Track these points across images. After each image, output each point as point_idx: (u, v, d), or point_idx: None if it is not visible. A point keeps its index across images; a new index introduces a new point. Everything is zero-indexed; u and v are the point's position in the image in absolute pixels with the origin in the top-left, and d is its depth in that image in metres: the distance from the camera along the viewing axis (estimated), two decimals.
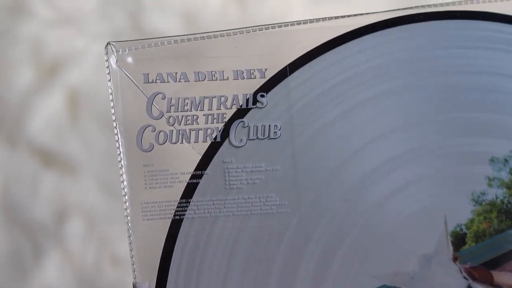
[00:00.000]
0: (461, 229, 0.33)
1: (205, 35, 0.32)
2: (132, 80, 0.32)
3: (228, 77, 0.32)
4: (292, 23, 0.33)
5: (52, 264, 0.64)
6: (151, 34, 0.67)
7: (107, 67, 0.32)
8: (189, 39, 0.32)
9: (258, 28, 0.33)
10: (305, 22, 0.32)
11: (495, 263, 0.33)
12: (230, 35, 0.32)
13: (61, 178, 0.64)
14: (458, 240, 0.33)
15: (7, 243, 0.66)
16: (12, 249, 0.67)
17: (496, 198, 0.33)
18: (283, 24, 0.33)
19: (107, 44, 0.33)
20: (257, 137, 0.32)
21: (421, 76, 0.33)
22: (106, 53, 0.32)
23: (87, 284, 0.64)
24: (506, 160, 0.33)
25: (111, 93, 0.32)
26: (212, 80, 0.32)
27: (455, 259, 0.32)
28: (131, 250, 0.32)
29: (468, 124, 0.33)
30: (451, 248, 0.32)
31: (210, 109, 0.32)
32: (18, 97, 0.68)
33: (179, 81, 0.32)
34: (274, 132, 0.32)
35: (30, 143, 0.66)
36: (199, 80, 0.32)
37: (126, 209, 0.32)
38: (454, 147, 0.33)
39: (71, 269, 0.63)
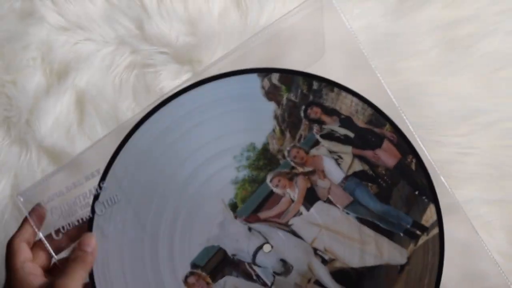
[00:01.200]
0: (232, 201, 0.58)
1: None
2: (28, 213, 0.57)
3: (83, 182, 0.58)
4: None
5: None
6: (154, 38, 0.71)
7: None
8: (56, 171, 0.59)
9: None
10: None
11: (258, 209, 0.58)
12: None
13: (70, 176, 0.61)
14: (233, 206, 0.58)
15: None
16: None
17: (245, 176, 0.58)
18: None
19: (16, 195, 0.58)
20: (109, 205, 0.58)
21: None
22: (18, 200, 0.57)
23: None
24: (242, 154, 0.58)
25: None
26: (76, 187, 0.59)
27: (235, 217, 0.58)
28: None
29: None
30: (231, 213, 0.58)
31: (81, 202, 0.59)
32: (29, 99, 0.70)
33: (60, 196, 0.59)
34: (117, 198, 0.58)
35: (40, 143, 0.70)
36: (73, 189, 0.59)
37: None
38: (220, 158, 0.58)
39: None
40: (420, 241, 0.57)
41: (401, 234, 0.57)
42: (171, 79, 0.71)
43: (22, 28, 0.70)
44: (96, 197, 0.57)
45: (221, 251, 0.58)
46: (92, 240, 0.56)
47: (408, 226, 0.57)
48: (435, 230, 0.56)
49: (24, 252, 0.55)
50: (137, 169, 0.57)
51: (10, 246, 0.54)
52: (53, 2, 0.71)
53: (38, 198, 0.58)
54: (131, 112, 0.71)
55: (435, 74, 0.72)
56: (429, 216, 0.56)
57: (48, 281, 0.53)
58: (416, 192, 0.56)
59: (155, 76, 0.72)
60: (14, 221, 0.71)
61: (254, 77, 0.56)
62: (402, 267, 0.57)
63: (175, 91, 0.57)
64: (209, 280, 0.58)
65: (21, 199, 0.58)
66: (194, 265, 0.58)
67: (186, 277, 0.58)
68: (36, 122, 0.70)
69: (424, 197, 0.56)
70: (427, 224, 0.56)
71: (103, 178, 0.57)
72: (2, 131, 0.72)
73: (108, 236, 0.57)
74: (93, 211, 0.57)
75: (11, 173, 0.71)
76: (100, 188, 0.57)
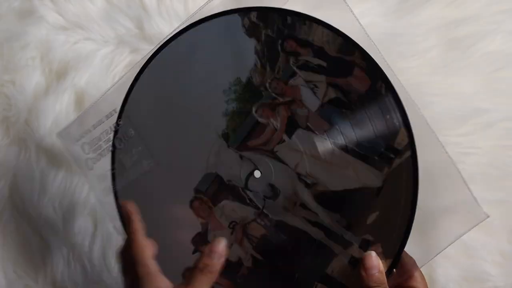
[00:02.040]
0: (225, 131, 0.65)
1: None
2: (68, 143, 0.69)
3: (104, 120, 0.69)
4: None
5: (59, 257, 0.66)
6: (154, 37, 0.71)
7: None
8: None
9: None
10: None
11: (247, 138, 0.64)
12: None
13: (68, 177, 0.61)
14: (225, 136, 0.65)
15: (17, 237, 0.67)
16: (21, 243, 0.67)
17: (233, 108, 0.65)
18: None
19: (56, 135, 0.69)
20: (125, 139, 0.68)
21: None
22: (60, 137, 0.66)
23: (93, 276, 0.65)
24: (230, 88, 0.64)
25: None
26: (100, 124, 0.69)
27: (228, 146, 0.65)
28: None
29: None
30: (224, 143, 0.65)
31: (104, 138, 0.69)
32: (28, 99, 0.69)
33: (88, 133, 0.69)
34: (132, 133, 0.68)
35: (39, 143, 0.69)
36: (98, 126, 0.69)
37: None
38: (212, 92, 0.65)
39: (79, 262, 0.63)
40: (394, 164, 0.59)
41: (376, 158, 0.59)
42: None
43: (21, 27, 0.69)
44: (115, 133, 0.67)
45: (218, 178, 0.65)
46: (220, 247, 0.57)
47: (382, 150, 0.59)
48: (408, 153, 0.58)
49: (150, 248, 0.57)
50: (144, 107, 0.66)
51: (136, 242, 0.56)
52: (52, 1, 0.70)
53: (72, 137, 0.68)
54: None
55: (435, 74, 0.72)
56: (401, 139, 0.58)
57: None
58: (388, 117, 0.59)
59: None
60: (13, 222, 0.71)
61: (236, 17, 0.62)
62: (379, 189, 0.59)
63: (170, 36, 0.64)
64: (210, 204, 0.65)
65: (62, 139, 0.68)
66: (197, 191, 0.65)
67: (191, 201, 0.65)
68: (35, 122, 0.70)
69: (395, 121, 0.58)
70: (400, 147, 0.58)
71: (120, 116, 0.67)
72: (1, 131, 0.72)
73: (127, 168, 0.67)
74: (114, 145, 0.67)
75: (10, 173, 0.71)
76: (118, 125, 0.67)
